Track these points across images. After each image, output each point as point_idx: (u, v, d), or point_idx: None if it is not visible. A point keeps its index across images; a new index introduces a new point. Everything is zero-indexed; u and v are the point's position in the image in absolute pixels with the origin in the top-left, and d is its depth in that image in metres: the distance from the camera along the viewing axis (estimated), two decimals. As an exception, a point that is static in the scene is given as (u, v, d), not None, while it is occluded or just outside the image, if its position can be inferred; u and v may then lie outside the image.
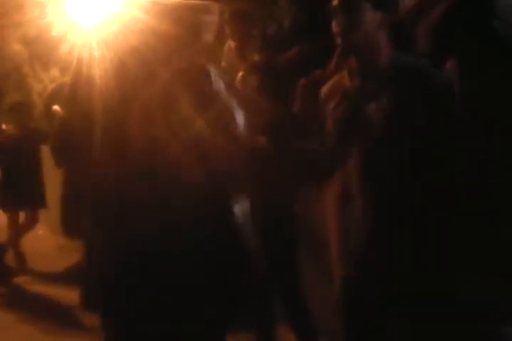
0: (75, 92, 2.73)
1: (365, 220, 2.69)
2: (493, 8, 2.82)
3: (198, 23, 2.70)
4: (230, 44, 4.75)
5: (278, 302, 4.00)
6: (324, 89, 2.93)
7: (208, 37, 2.75)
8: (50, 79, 7.22)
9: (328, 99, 2.87)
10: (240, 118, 2.62)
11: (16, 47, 7.53)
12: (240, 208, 2.64)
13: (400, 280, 2.69)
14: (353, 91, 2.76)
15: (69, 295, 5.46)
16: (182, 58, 2.62)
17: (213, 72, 2.62)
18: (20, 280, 6.53)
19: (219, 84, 2.62)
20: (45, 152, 7.11)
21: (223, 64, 4.63)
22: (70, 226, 6.69)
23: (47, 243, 7.49)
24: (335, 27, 2.74)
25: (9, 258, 6.86)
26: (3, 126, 6.90)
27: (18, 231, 6.99)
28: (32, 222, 7.03)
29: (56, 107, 6.48)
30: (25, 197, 6.81)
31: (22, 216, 7.02)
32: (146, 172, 2.49)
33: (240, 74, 3.89)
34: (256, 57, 4.21)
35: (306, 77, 3.96)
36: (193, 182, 2.45)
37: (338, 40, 2.75)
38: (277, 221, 3.81)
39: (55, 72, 6.98)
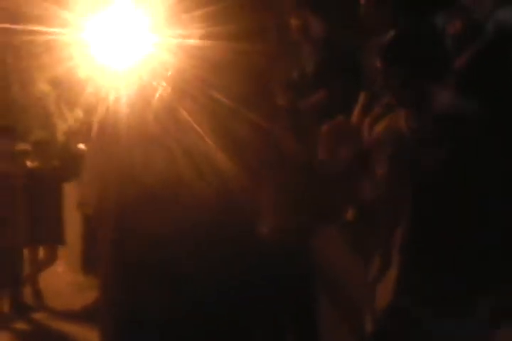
0: (101, 132, 2.78)
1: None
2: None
3: (224, 64, 2.75)
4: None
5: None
6: (377, 130, 2.87)
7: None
8: (75, 119, 7.35)
9: (381, 141, 2.82)
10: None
11: (44, 87, 7.69)
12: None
13: None
14: (409, 136, 2.70)
15: (86, 333, 5.44)
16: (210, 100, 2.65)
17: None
18: (38, 316, 6.52)
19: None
20: (67, 189, 7.18)
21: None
22: (90, 263, 6.71)
23: (65, 280, 7.48)
24: (382, 80, 2.69)
25: (27, 294, 6.87)
26: (28, 163, 6.99)
27: (37, 267, 7.02)
28: (51, 258, 7.07)
29: (81, 146, 6.59)
30: (45, 233, 6.85)
31: (41, 252, 7.05)
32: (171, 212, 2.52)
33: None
34: (280, 102, 4.26)
35: (327, 122, 4.01)
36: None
37: (389, 95, 2.72)
38: (291, 255, 3.80)
39: (79, 113, 7.10)
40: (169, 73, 2.64)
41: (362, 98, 3.96)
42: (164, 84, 2.72)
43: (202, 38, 2.67)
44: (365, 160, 2.89)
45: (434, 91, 2.61)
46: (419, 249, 2.64)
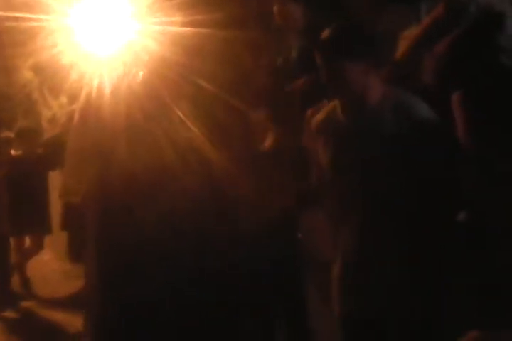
0: (84, 119, 2.77)
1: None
2: (497, 41, 2.87)
3: (208, 51, 2.75)
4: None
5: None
6: (316, 121, 2.98)
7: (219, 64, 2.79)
8: (59, 106, 7.31)
9: (319, 132, 2.92)
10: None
11: (28, 74, 7.63)
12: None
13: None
14: (344, 127, 2.81)
15: (73, 321, 5.45)
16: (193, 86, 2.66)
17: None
18: (26, 305, 6.52)
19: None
20: (52, 178, 7.16)
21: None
22: (76, 251, 6.70)
23: (52, 268, 7.48)
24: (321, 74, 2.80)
25: (15, 283, 6.87)
26: (12, 152, 6.95)
27: (23, 256, 7.01)
28: (37, 247, 7.05)
29: (65, 133, 6.56)
30: (31, 222, 6.83)
31: (27, 241, 7.04)
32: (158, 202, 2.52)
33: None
34: (264, 88, 4.26)
35: (312, 107, 4.02)
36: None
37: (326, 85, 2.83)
38: (277, 241, 3.82)
39: (64, 100, 7.05)
40: (151, 60, 2.64)
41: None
42: (147, 70, 2.71)
43: (185, 25, 2.67)
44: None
45: (369, 83, 2.73)
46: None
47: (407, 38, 3.25)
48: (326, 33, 2.81)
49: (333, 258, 2.85)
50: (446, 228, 2.67)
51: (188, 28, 2.71)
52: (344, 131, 2.82)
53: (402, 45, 3.21)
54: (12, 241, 6.95)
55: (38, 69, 7.36)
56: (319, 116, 3.01)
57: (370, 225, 2.72)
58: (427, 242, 2.66)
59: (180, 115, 2.59)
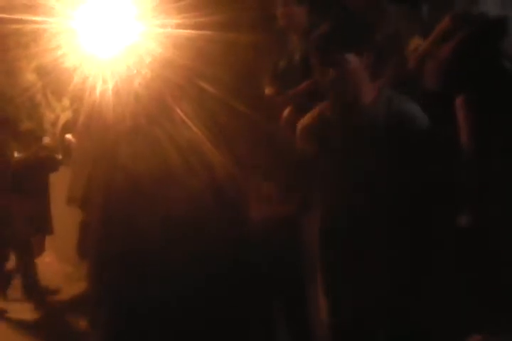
0: (87, 122, 2.78)
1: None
2: (501, 45, 2.88)
3: (211, 53, 2.75)
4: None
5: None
6: (303, 124, 2.98)
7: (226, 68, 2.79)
8: (62, 108, 7.32)
9: (309, 130, 2.89)
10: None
11: (31, 77, 7.65)
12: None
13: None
14: (334, 127, 2.80)
15: (76, 323, 5.46)
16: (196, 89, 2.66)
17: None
18: (27, 306, 6.52)
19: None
20: (55, 179, 7.17)
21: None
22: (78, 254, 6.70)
23: (53, 270, 7.48)
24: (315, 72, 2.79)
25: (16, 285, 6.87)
26: (15, 153, 6.96)
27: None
28: (39, 248, 7.05)
29: (69, 136, 6.56)
30: (33, 223, 6.84)
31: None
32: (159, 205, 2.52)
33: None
34: (267, 91, 4.27)
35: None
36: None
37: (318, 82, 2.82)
38: (280, 244, 3.82)
39: (67, 102, 7.08)
40: (155, 62, 2.64)
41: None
42: (151, 73, 2.71)
43: (188, 27, 2.67)
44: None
45: (363, 82, 2.73)
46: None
47: (415, 50, 3.24)
48: (320, 30, 2.80)
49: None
50: (442, 232, 2.66)
51: (192, 31, 2.71)
52: (334, 131, 2.80)
53: (412, 58, 3.21)
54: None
55: (41, 72, 7.38)
56: (306, 119, 2.99)
57: (365, 228, 2.71)
58: (426, 246, 2.65)
59: (183, 117, 2.59)
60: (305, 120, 2.99)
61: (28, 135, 7.03)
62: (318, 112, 2.91)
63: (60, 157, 6.96)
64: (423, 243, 2.65)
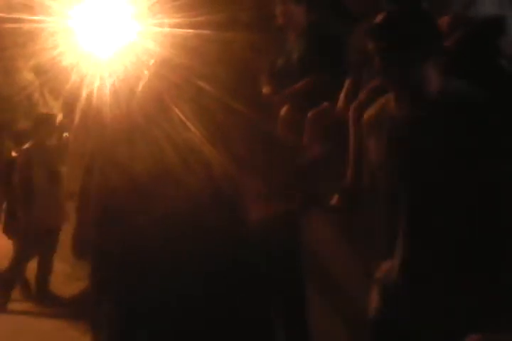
0: (85, 121, 2.78)
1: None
2: (498, 45, 2.87)
3: (208, 53, 2.75)
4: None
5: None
6: (367, 117, 2.78)
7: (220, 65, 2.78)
8: (60, 107, 7.33)
9: (372, 128, 2.72)
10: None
11: (28, 76, 7.66)
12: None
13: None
14: (401, 121, 2.60)
15: (74, 322, 5.46)
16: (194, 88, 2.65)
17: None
18: (25, 306, 6.52)
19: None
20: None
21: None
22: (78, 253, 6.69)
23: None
24: (377, 64, 2.64)
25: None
26: (13, 153, 6.92)
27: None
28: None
29: (66, 134, 6.56)
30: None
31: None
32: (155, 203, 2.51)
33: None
34: (264, 90, 4.27)
35: (313, 109, 4.02)
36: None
37: (380, 76, 2.68)
38: (278, 242, 3.81)
39: (64, 101, 7.07)
40: (152, 61, 2.64)
41: (347, 85, 3.96)
42: (148, 72, 2.72)
43: (186, 27, 2.68)
44: (346, 147, 2.87)
45: (426, 73, 2.58)
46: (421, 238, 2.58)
47: None
48: (378, 21, 2.60)
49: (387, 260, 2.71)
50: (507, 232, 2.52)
51: (189, 30, 2.71)
52: (398, 126, 2.63)
53: None
54: (12, 243, 6.95)
55: (38, 71, 7.38)
56: (370, 111, 2.78)
57: (423, 230, 2.55)
58: (488, 248, 2.51)
59: (181, 116, 2.59)
60: (369, 113, 2.80)
61: (25, 134, 6.97)
62: (382, 106, 2.73)
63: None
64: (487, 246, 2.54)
